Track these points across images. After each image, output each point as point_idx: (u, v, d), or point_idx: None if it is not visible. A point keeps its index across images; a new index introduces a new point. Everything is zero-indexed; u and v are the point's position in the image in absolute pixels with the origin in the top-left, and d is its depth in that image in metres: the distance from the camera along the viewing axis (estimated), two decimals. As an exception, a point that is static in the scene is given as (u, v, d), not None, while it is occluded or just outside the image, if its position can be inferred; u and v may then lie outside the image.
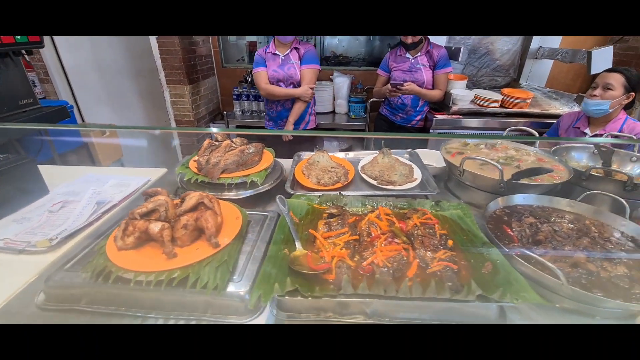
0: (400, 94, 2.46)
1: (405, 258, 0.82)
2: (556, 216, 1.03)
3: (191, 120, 3.48)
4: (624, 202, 1.01)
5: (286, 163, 1.47)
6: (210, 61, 3.74)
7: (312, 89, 2.31)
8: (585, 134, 1.84)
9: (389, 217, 0.97)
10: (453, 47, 2.79)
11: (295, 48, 2.27)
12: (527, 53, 3.20)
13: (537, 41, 3.15)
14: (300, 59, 2.28)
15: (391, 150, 1.47)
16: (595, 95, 1.72)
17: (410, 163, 1.43)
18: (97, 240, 0.90)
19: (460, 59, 2.75)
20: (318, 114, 3.36)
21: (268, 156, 1.36)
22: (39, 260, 0.93)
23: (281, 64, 2.28)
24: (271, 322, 0.75)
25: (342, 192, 1.17)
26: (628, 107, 1.77)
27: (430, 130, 2.66)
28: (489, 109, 2.66)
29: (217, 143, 1.32)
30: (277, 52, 2.28)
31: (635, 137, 1.68)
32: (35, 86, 3.32)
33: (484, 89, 3.18)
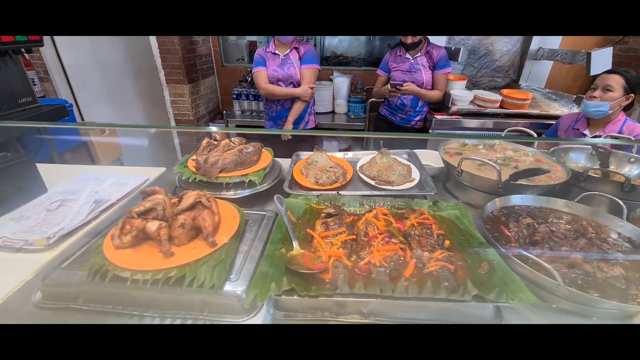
0: (399, 94, 2.46)
1: (402, 258, 0.82)
2: (553, 217, 1.03)
3: (191, 119, 3.48)
4: (621, 203, 1.01)
5: (285, 162, 1.47)
6: (210, 60, 3.74)
7: (311, 88, 2.31)
8: (584, 135, 1.85)
9: (386, 217, 0.97)
10: (453, 48, 2.79)
11: (295, 48, 2.27)
12: (527, 54, 3.21)
13: (536, 42, 3.15)
14: (300, 58, 2.28)
15: (390, 151, 1.47)
16: (594, 97, 1.72)
17: (409, 163, 1.43)
18: (94, 238, 0.90)
19: (459, 60, 2.75)
20: (318, 113, 3.35)
21: (266, 156, 1.36)
22: (37, 258, 0.94)
23: (281, 63, 2.28)
24: (268, 321, 0.75)
25: (340, 192, 1.17)
26: (627, 109, 1.77)
27: (430, 131, 2.67)
28: (488, 110, 2.67)
29: (215, 142, 1.32)
30: (277, 51, 2.28)
31: (633, 138, 1.69)
32: (35, 85, 3.32)
33: (484, 89, 3.18)
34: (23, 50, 2.02)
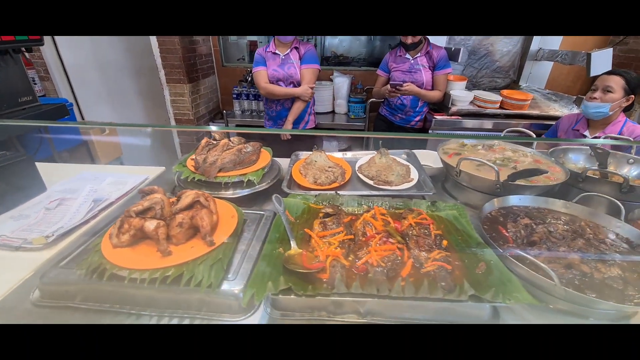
0: (399, 95, 2.46)
1: (399, 258, 0.82)
2: (551, 217, 1.03)
3: (191, 119, 3.48)
4: (620, 204, 1.01)
5: (284, 162, 1.47)
6: (211, 60, 3.75)
7: (312, 88, 2.31)
8: (584, 136, 1.84)
9: (384, 217, 0.98)
10: (453, 48, 2.79)
11: (296, 48, 2.28)
12: (527, 54, 3.21)
13: (537, 43, 3.15)
14: (300, 58, 2.28)
15: (389, 151, 1.47)
16: (595, 98, 1.72)
17: (408, 163, 1.43)
18: (93, 237, 0.90)
19: (460, 60, 2.75)
20: (318, 113, 3.36)
21: (265, 155, 1.36)
22: (35, 257, 0.94)
23: (281, 63, 2.28)
24: (265, 320, 0.75)
25: (338, 192, 1.17)
26: (627, 110, 1.77)
27: (430, 131, 2.67)
28: (488, 110, 2.67)
29: (214, 142, 1.32)
30: (277, 51, 2.28)
31: (632, 139, 1.68)
32: (36, 84, 3.32)
33: (484, 90, 3.18)
34: (23, 49, 2.01)
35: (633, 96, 1.69)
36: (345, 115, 3.55)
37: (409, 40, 2.33)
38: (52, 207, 1.13)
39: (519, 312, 0.79)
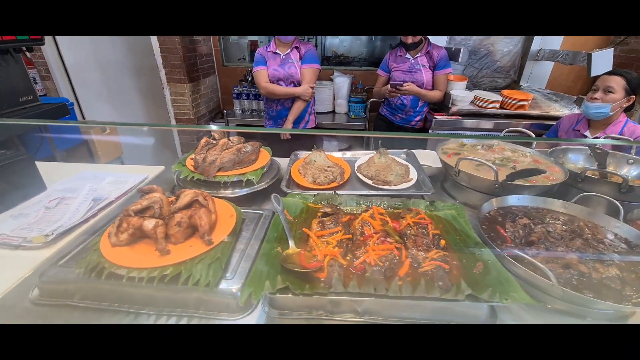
0: (399, 95, 2.46)
1: (397, 257, 0.82)
2: (550, 217, 1.03)
3: (191, 118, 3.49)
4: (618, 204, 1.01)
5: (284, 162, 1.48)
6: (211, 60, 3.75)
7: (312, 88, 2.31)
8: (585, 136, 1.84)
9: (382, 217, 0.98)
10: (453, 48, 2.79)
11: (296, 47, 2.28)
12: (528, 55, 3.20)
13: (537, 43, 3.15)
14: (300, 58, 2.28)
15: (388, 151, 1.47)
16: (596, 99, 1.71)
17: (407, 163, 1.43)
18: (92, 236, 0.91)
19: (460, 60, 2.75)
20: (318, 113, 3.36)
21: (265, 155, 1.36)
22: (35, 255, 0.94)
23: (282, 63, 2.28)
24: (263, 319, 0.76)
25: (337, 191, 1.17)
26: (628, 110, 1.76)
27: (430, 131, 2.66)
28: (488, 110, 2.66)
29: (214, 141, 1.32)
30: (277, 51, 2.28)
31: (632, 140, 1.68)
32: (37, 83, 3.33)
33: (484, 90, 3.18)
34: (24, 48, 2.02)
35: (634, 96, 1.69)
36: (345, 115, 3.55)
37: (410, 40, 2.33)
38: (52, 206, 1.14)
39: (517, 312, 0.79)
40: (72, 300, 0.77)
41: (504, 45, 3.22)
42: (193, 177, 1.21)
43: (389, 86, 2.44)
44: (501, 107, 2.70)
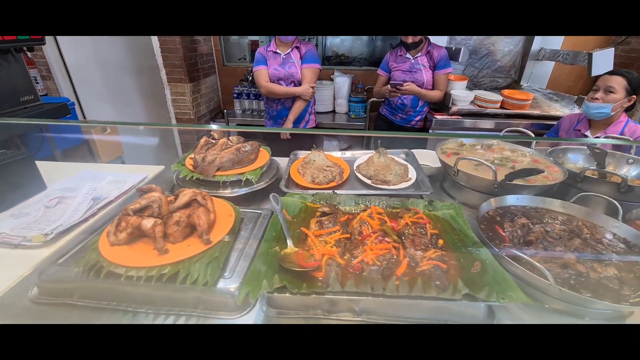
0: (400, 94, 2.46)
1: (395, 257, 0.82)
2: (549, 217, 1.03)
3: (192, 118, 3.49)
4: (617, 204, 1.01)
5: (283, 161, 1.48)
6: (212, 59, 3.76)
7: (312, 88, 2.32)
8: (586, 136, 1.84)
9: (380, 216, 0.98)
10: (453, 48, 2.79)
11: (297, 47, 2.28)
12: (529, 54, 3.20)
13: (538, 42, 3.14)
14: (301, 58, 2.29)
15: (387, 150, 1.47)
16: (597, 99, 1.71)
17: (406, 163, 1.43)
18: (91, 235, 0.91)
19: (460, 60, 2.74)
20: (318, 113, 3.36)
21: (264, 154, 1.36)
22: (34, 254, 0.95)
23: (282, 62, 2.28)
24: (261, 318, 0.76)
25: (336, 191, 1.17)
26: (629, 110, 1.76)
27: (430, 131, 2.66)
28: (488, 110, 2.66)
29: (213, 141, 1.33)
30: (278, 50, 2.28)
31: (632, 139, 1.68)
32: (37, 83, 3.35)
33: (485, 90, 3.17)
34: (25, 48, 2.03)
35: (635, 96, 1.68)
36: (345, 115, 3.55)
37: (410, 40, 2.33)
38: (52, 206, 1.14)
39: (515, 311, 0.79)
40: (71, 298, 0.77)
41: (505, 45, 3.21)
42: (192, 177, 1.21)
43: (389, 86, 2.44)
44: (502, 107, 2.70)
